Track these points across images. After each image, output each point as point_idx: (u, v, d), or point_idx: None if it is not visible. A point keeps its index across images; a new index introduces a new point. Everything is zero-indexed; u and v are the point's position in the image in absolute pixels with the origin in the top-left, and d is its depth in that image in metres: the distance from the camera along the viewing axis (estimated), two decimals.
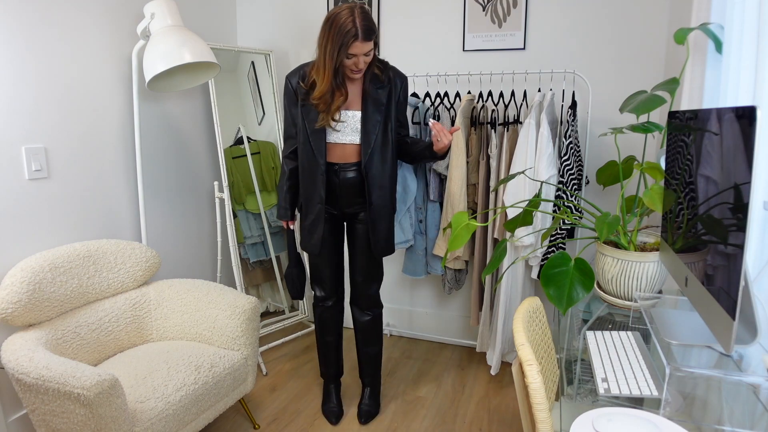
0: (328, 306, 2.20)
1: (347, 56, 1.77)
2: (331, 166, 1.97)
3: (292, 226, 2.16)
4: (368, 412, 2.22)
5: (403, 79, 1.99)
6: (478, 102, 2.46)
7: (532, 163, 2.22)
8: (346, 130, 1.93)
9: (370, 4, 2.76)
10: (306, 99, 1.90)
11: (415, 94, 2.54)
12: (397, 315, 3.05)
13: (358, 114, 1.92)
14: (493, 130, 2.36)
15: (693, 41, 1.70)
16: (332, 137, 1.94)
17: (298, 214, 2.13)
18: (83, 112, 2.13)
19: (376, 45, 1.85)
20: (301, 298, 2.28)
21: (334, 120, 1.90)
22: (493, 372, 2.52)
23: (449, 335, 2.95)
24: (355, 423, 2.20)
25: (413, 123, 2.47)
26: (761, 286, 1.32)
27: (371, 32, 1.75)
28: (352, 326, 3.10)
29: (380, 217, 2.01)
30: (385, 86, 1.93)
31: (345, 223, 2.14)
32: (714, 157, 1.08)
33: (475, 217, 1.73)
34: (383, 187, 1.98)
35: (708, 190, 1.10)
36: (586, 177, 2.47)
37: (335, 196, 2.01)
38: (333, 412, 2.23)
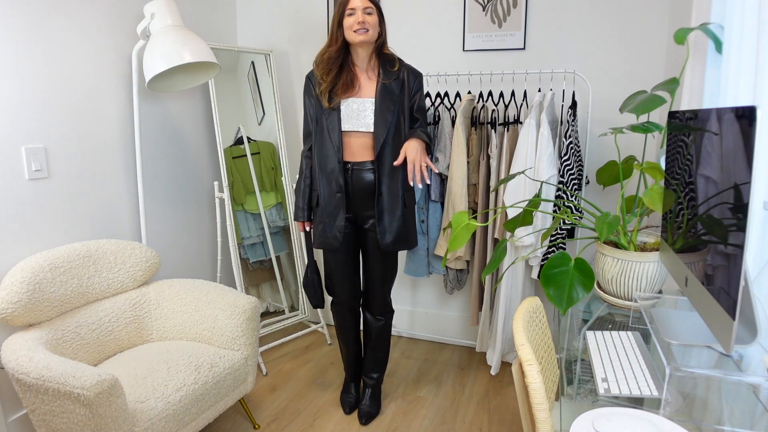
0: (343, 312, 2.20)
1: (348, 13, 1.86)
2: (344, 166, 1.97)
3: (308, 228, 2.13)
4: (369, 413, 2.22)
5: (417, 74, 2.00)
6: (478, 102, 2.46)
7: (532, 163, 2.22)
8: (359, 117, 1.93)
9: None
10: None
11: None
12: (397, 315, 3.05)
13: (370, 101, 1.93)
14: (493, 130, 2.36)
15: (693, 41, 1.70)
16: (346, 124, 1.94)
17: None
18: (83, 112, 2.13)
19: (382, 20, 1.92)
20: (322, 306, 2.28)
21: (332, 86, 1.92)
22: (493, 372, 2.52)
23: (449, 335, 2.95)
24: (355, 423, 2.20)
25: None
26: (761, 286, 1.32)
27: None
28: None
29: (389, 209, 1.96)
30: (398, 78, 1.96)
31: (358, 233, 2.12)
32: (714, 157, 1.08)
33: (475, 217, 1.73)
34: (394, 178, 1.96)
35: (708, 190, 1.10)
36: (586, 177, 2.47)
37: (348, 198, 2.00)
38: (349, 402, 2.28)
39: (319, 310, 2.98)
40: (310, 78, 2.02)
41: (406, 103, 1.97)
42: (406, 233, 2.03)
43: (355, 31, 1.86)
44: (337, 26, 1.89)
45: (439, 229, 2.55)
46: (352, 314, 2.21)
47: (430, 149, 1.96)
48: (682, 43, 1.63)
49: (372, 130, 1.93)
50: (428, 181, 1.90)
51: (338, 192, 1.97)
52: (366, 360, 2.26)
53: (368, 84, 1.96)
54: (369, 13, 1.86)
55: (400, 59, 1.99)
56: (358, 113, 1.93)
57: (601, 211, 1.54)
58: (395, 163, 1.89)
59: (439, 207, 2.55)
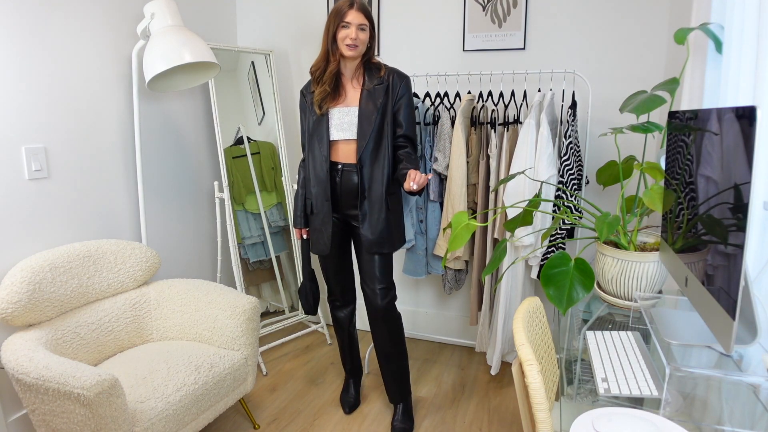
0: (338, 306, 2.26)
1: (343, 25, 1.88)
2: (335, 166, 2.00)
3: (305, 236, 2.15)
4: (403, 429, 2.14)
5: (403, 78, 1.99)
6: (478, 102, 2.46)
7: (532, 163, 2.22)
8: (347, 126, 1.97)
9: (370, 4, 2.76)
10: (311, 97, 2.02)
11: (415, 95, 2.54)
12: None
13: (356, 110, 1.96)
14: (493, 130, 2.36)
15: (693, 41, 1.70)
16: (334, 134, 1.98)
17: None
18: (83, 112, 2.13)
19: (373, 35, 1.95)
20: (314, 314, 2.31)
21: (325, 90, 1.95)
22: (493, 372, 2.52)
23: (449, 335, 2.95)
24: (355, 423, 2.20)
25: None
26: (761, 286, 1.32)
27: (365, 9, 1.91)
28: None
29: (371, 211, 1.97)
30: (383, 83, 1.97)
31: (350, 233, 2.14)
32: (714, 157, 1.08)
33: (475, 217, 1.73)
34: (376, 181, 1.97)
35: (708, 190, 1.10)
36: (586, 177, 2.47)
37: (337, 197, 2.03)
38: (348, 402, 2.31)
39: (318, 310, 2.98)
40: (303, 93, 2.07)
41: (389, 107, 1.98)
42: (389, 236, 2.02)
43: (346, 45, 1.89)
44: (332, 40, 1.91)
45: (437, 229, 2.55)
46: (347, 308, 2.26)
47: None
48: (682, 43, 1.63)
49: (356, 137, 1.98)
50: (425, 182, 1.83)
51: (326, 200, 2.01)
52: (384, 375, 2.17)
53: (353, 92, 1.99)
54: (362, 30, 1.90)
55: (385, 65, 2.01)
56: (346, 122, 1.97)
57: (601, 211, 1.54)
58: (404, 187, 1.84)
59: (438, 207, 2.54)
